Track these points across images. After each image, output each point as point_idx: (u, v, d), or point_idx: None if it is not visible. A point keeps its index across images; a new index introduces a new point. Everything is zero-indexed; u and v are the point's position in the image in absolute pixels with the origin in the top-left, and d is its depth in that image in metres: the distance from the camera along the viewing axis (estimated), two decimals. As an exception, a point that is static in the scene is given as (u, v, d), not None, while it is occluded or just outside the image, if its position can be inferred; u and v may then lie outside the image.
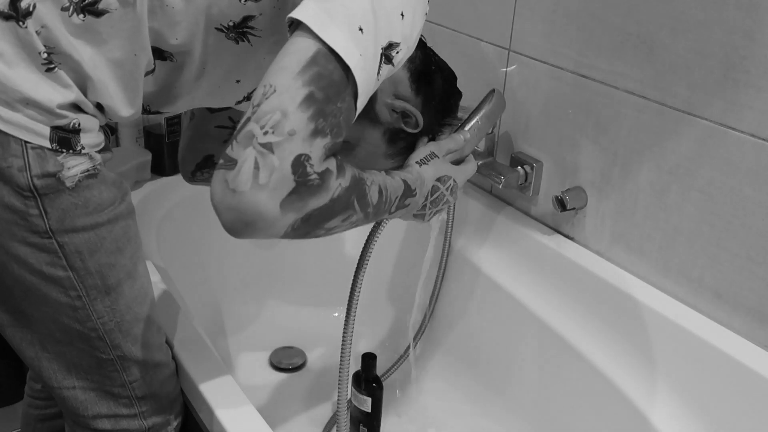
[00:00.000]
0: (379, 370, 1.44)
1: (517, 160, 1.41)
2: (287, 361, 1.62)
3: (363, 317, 1.73)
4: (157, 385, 1.04)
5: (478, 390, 1.48)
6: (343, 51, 0.76)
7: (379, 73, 0.82)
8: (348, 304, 1.06)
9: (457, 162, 1.06)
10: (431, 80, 1.03)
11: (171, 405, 1.08)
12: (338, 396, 1.08)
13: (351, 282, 1.05)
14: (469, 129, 1.09)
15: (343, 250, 1.75)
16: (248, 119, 0.74)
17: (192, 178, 1.25)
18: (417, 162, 0.99)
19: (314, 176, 0.75)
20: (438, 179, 0.99)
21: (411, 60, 1.00)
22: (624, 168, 1.24)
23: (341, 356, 1.06)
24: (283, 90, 0.74)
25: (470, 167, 1.07)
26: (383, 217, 0.91)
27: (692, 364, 1.12)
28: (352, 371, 1.13)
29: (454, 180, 1.01)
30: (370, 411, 1.38)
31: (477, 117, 1.10)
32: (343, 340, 1.06)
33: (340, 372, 1.07)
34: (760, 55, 1.02)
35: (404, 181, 0.92)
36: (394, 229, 1.63)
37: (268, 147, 0.73)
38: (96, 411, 1.02)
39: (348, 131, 0.80)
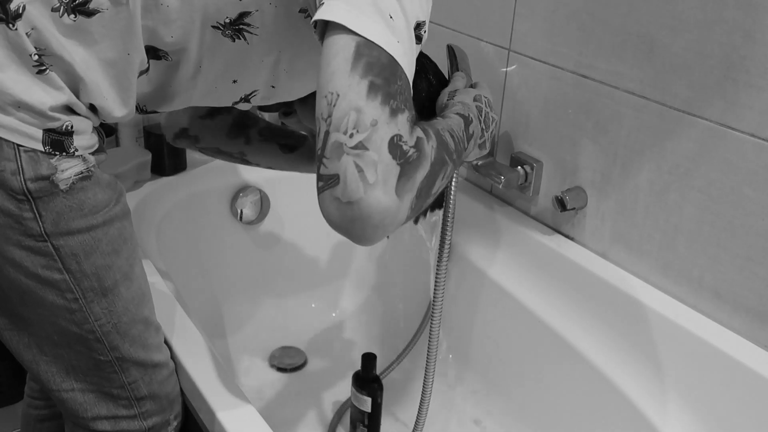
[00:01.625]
0: (380, 370, 1.44)
1: (517, 160, 1.41)
2: (287, 361, 1.62)
3: (363, 317, 1.74)
4: (156, 386, 1.04)
5: (478, 390, 1.48)
6: (382, 41, 0.76)
7: (415, 54, 0.82)
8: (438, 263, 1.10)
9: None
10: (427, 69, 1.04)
11: (171, 405, 1.08)
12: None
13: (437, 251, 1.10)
14: (460, 70, 1.08)
15: (343, 251, 1.75)
16: (327, 133, 0.74)
17: (174, 141, 1.25)
18: (449, 100, 0.98)
19: (411, 150, 0.75)
20: (474, 99, 0.98)
21: None
22: (624, 168, 1.24)
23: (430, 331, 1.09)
24: (346, 90, 0.74)
25: (483, 85, 1.06)
26: (463, 156, 0.91)
27: (692, 364, 1.12)
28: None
29: (484, 96, 1.00)
30: (370, 411, 1.38)
31: (456, 66, 1.09)
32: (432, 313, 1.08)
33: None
34: (760, 55, 1.02)
35: (457, 114, 0.92)
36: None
37: (361, 146, 0.72)
38: (95, 412, 1.02)
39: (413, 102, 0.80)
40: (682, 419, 1.12)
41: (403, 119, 0.75)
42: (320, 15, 0.76)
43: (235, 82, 0.98)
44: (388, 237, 0.78)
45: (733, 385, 1.07)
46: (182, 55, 0.93)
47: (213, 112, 1.22)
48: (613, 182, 1.26)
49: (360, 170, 0.72)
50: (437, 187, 0.81)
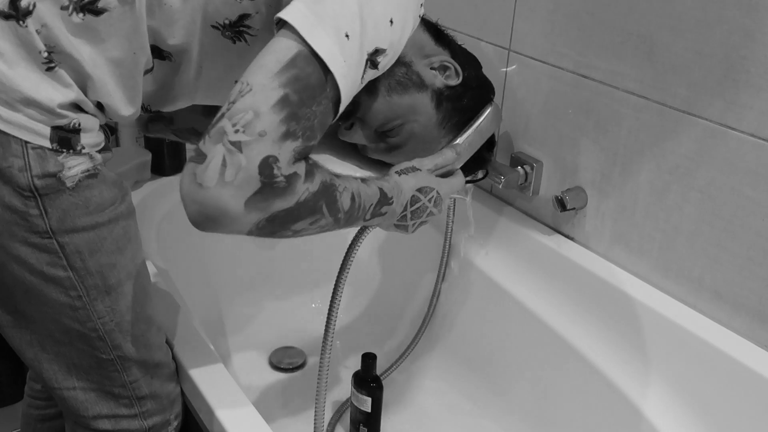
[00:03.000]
0: (380, 370, 1.44)
1: (517, 160, 1.41)
2: (287, 361, 1.62)
3: (363, 317, 1.74)
4: (157, 385, 1.04)
5: (478, 390, 1.48)
6: (327, 56, 0.77)
7: (363, 77, 0.83)
8: (330, 307, 1.07)
9: (446, 175, 1.06)
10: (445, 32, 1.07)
11: (171, 405, 1.08)
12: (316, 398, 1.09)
13: (333, 286, 1.07)
14: (461, 143, 1.09)
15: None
16: (222, 115, 0.76)
17: (147, 127, 1.26)
18: (396, 172, 0.99)
19: (281, 179, 0.76)
20: (419, 190, 0.99)
21: (425, 24, 1.03)
22: (624, 168, 1.24)
23: (321, 359, 1.08)
24: (259, 89, 0.76)
25: (457, 181, 1.07)
26: (358, 223, 0.92)
27: (692, 364, 1.12)
28: (331, 378, 1.14)
29: (437, 192, 1.01)
30: (370, 411, 1.38)
31: (470, 131, 1.09)
32: (323, 342, 1.07)
33: (319, 377, 1.08)
34: (760, 55, 1.02)
35: (380, 189, 0.93)
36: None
37: (237, 146, 0.74)
38: (96, 411, 1.02)
39: (322, 134, 0.81)
40: (682, 419, 1.12)
41: (291, 146, 0.76)
42: (281, 13, 0.78)
43: (236, 82, 0.99)
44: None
45: (734, 385, 1.07)
46: (184, 57, 0.93)
47: None
48: (613, 182, 1.26)
49: (224, 165, 0.74)
50: (301, 228, 0.82)
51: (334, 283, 1.07)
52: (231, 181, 0.74)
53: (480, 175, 1.24)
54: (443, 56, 1.03)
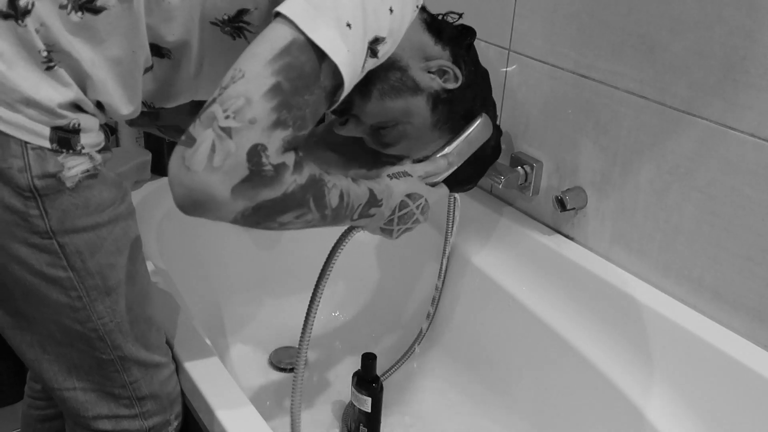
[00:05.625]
0: (380, 370, 1.44)
1: (517, 160, 1.41)
2: (287, 361, 1.62)
3: (363, 317, 1.74)
4: (157, 386, 1.04)
5: (478, 390, 1.48)
6: (328, 46, 0.77)
7: (363, 67, 0.83)
8: (308, 307, 1.06)
9: (433, 185, 1.06)
10: (449, 29, 1.04)
11: (171, 405, 1.08)
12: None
13: (314, 285, 1.06)
14: (450, 152, 1.09)
15: (343, 251, 1.75)
16: (214, 100, 0.77)
17: (131, 123, 1.25)
18: (388, 175, 0.99)
19: (269, 167, 0.76)
20: (408, 195, 0.99)
21: (426, 23, 1.02)
22: (624, 168, 1.24)
23: (297, 358, 1.07)
24: (252, 77, 0.76)
25: (443, 191, 1.07)
26: (344, 222, 0.92)
27: (692, 364, 1.12)
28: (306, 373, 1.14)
29: (425, 200, 1.01)
30: (370, 411, 1.38)
31: (459, 140, 1.09)
32: (300, 340, 1.06)
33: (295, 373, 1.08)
34: (760, 55, 1.02)
35: (370, 190, 0.93)
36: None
37: (227, 132, 0.74)
38: (97, 412, 1.02)
39: (314, 123, 0.81)
40: (682, 419, 1.12)
41: (280, 136, 0.76)
42: (280, 8, 0.78)
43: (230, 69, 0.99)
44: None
45: (733, 385, 1.07)
46: (184, 54, 0.93)
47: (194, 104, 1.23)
48: (613, 182, 1.26)
49: (213, 150, 0.74)
50: (287, 221, 0.82)
51: (314, 283, 1.06)
52: (219, 167, 0.74)
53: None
54: (442, 60, 1.01)
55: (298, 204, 0.81)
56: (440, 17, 1.06)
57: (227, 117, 0.75)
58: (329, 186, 0.85)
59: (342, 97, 0.83)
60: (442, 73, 1.02)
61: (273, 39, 0.78)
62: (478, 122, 1.10)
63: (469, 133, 1.09)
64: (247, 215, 0.78)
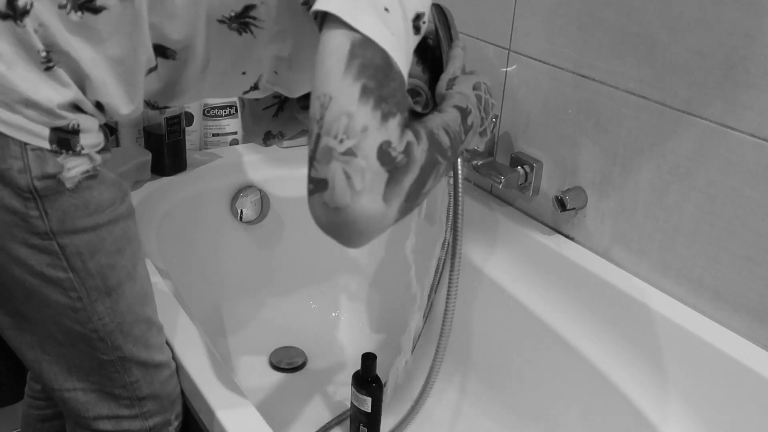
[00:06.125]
0: (380, 370, 1.44)
1: (517, 160, 1.41)
2: (287, 361, 1.62)
3: (363, 317, 1.74)
4: (158, 386, 1.04)
5: (478, 390, 1.48)
6: (376, 35, 0.76)
7: (412, 45, 0.82)
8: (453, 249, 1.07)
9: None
10: (431, 49, 1.03)
11: (172, 405, 1.08)
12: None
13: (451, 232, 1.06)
14: (455, 39, 1.08)
15: (343, 250, 1.75)
16: (318, 136, 0.75)
17: (265, 144, 1.28)
18: (448, 88, 0.97)
19: (401, 156, 0.75)
20: (474, 88, 0.97)
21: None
22: (624, 168, 1.24)
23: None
24: (338, 94, 0.75)
25: (479, 73, 1.05)
26: (460, 149, 0.91)
27: (692, 364, 1.12)
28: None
29: (483, 82, 1.00)
30: (370, 411, 1.38)
31: (448, 28, 1.08)
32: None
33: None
34: (760, 55, 1.02)
35: (454, 107, 0.91)
36: (397, 229, 1.63)
37: (350, 152, 0.73)
38: (97, 412, 1.02)
39: (408, 99, 0.80)
40: (682, 419, 1.12)
41: (394, 124, 0.76)
42: (318, 5, 0.77)
43: (244, 73, 0.99)
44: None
45: (733, 385, 1.07)
46: (189, 53, 0.93)
47: (279, 108, 1.24)
48: (613, 182, 1.26)
49: (348, 177, 0.73)
50: (428, 187, 0.82)
51: (451, 222, 1.07)
52: (363, 188, 0.73)
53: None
54: (417, 82, 1.01)
55: (432, 165, 0.81)
56: None
57: (341, 141, 0.73)
58: (437, 132, 0.84)
59: (402, 88, 0.81)
60: (413, 94, 1.01)
61: (334, 50, 0.76)
62: (441, 9, 1.09)
63: (450, 19, 1.09)
64: (402, 210, 0.78)
